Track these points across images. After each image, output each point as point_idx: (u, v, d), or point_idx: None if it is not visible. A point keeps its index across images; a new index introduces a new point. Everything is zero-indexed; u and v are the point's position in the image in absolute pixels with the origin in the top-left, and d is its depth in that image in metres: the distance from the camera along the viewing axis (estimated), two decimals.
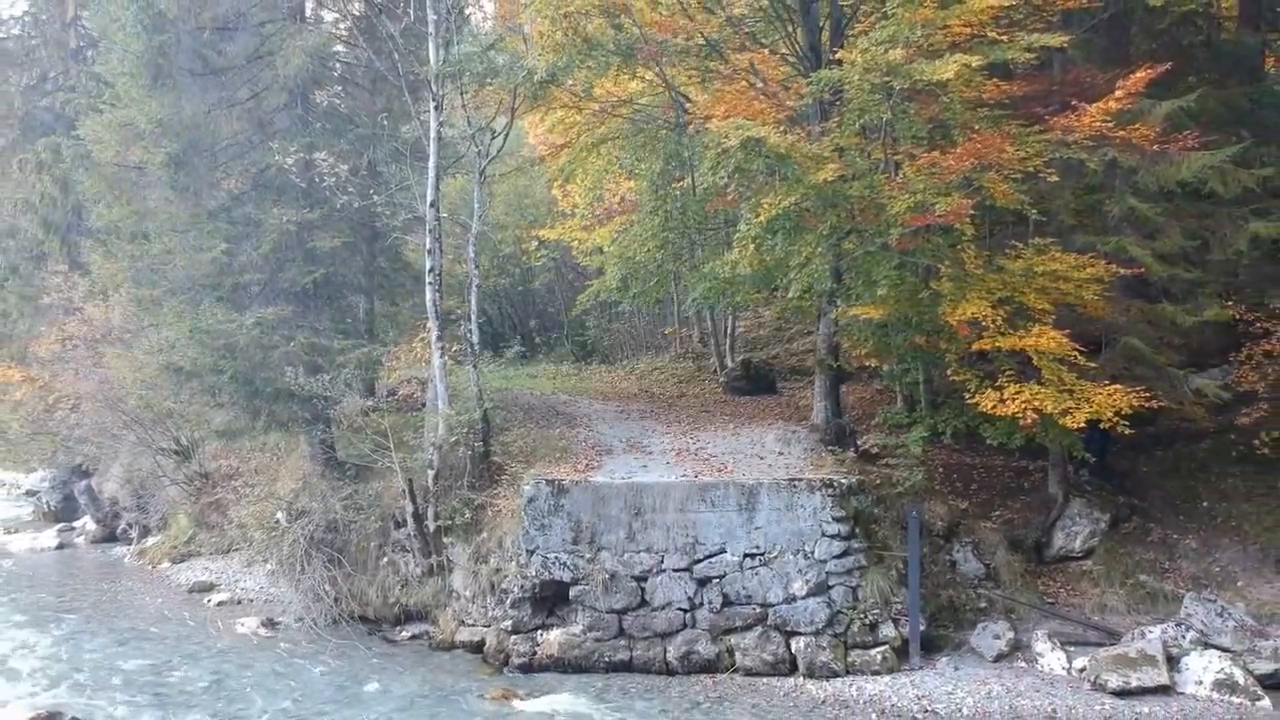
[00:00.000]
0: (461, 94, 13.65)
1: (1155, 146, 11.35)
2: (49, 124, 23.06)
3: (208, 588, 16.92)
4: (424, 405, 16.63)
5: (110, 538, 21.64)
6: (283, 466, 17.81)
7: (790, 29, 14.81)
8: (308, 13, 15.87)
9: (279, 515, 14.50)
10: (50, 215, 21.95)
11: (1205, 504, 14.93)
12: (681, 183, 15.83)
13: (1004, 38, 11.17)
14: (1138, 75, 10.88)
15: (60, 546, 21.27)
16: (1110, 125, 11.03)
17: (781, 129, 11.62)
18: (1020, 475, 15.56)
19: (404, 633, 14.24)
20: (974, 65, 10.40)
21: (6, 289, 23.80)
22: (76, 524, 22.63)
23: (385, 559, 14.55)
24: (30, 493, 27.21)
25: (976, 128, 11.30)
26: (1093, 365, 12.51)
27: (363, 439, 14.53)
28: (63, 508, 23.92)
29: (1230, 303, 13.55)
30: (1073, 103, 11.26)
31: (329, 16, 17.60)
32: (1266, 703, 11.26)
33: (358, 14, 14.81)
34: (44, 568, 19.64)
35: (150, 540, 20.04)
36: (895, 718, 11.26)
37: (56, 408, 21.97)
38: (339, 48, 15.50)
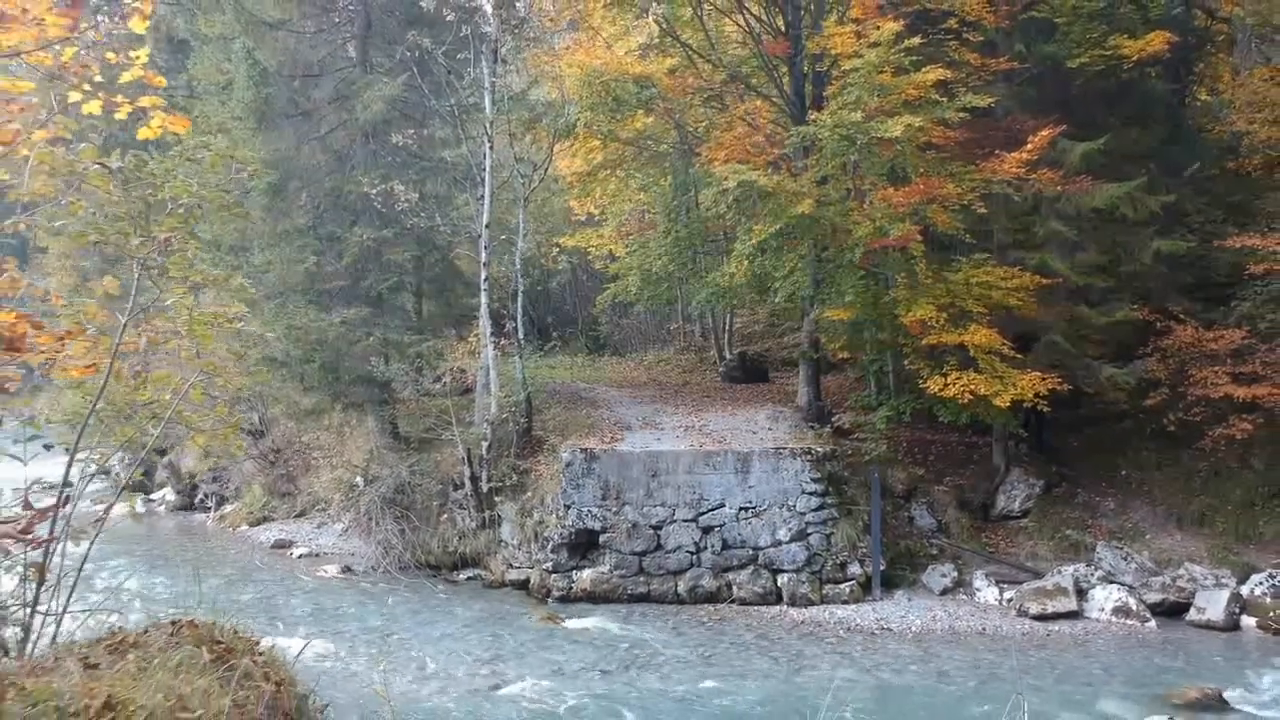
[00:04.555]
0: (511, 136, 16.67)
1: (1060, 187, 14.32)
2: (127, 142, 25.94)
3: (287, 544, 20.00)
4: (465, 390, 19.68)
5: (188, 507, 24.69)
6: (348, 442, 20.90)
7: (779, 75, 17.81)
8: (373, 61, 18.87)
9: (357, 480, 17.55)
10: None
11: (1124, 472, 17.90)
12: (686, 197, 18.82)
13: (943, 99, 14.18)
14: (1043, 133, 13.87)
15: (146, 514, 24.35)
16: (1025, 170, 14.03)
17: (769, 169, 14.65)
18: (970, 448, 18.58)
19: (461, 575, 17.30)
20: (917, 124, 13.41)
21: (88, 287, 26.69)
22: (155, 496, 25.68)
23: (445, 515, 17.61)
24: (104, 470, 30.21)
25: (923, 170, 14.31)
26: (1020, 356, 15.49)
27: (426, 417, 17.58)
28: (138, 482, 26.94)
29: (1136, 306, 16.41)
30: (996, 152, 14.26)
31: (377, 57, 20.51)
32: (1153, 624, 14.26)
33: (417, 64, 17.74)
34: (139, 530, 22.68)
35: (227, 508, 23.13)
36: (858, 633, 14.28)
37: (137, 394, 24.91)
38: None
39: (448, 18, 17.87)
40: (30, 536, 3.79)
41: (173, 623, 4.01)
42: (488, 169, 16.52)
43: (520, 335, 17.49)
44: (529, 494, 16.75)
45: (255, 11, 16.48)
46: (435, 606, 15.69)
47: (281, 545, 20.01)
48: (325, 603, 15.97)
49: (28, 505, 4.58)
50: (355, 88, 17.30)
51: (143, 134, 4.43)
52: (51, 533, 4.11)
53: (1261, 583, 14.66)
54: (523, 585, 16.41)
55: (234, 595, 16.46)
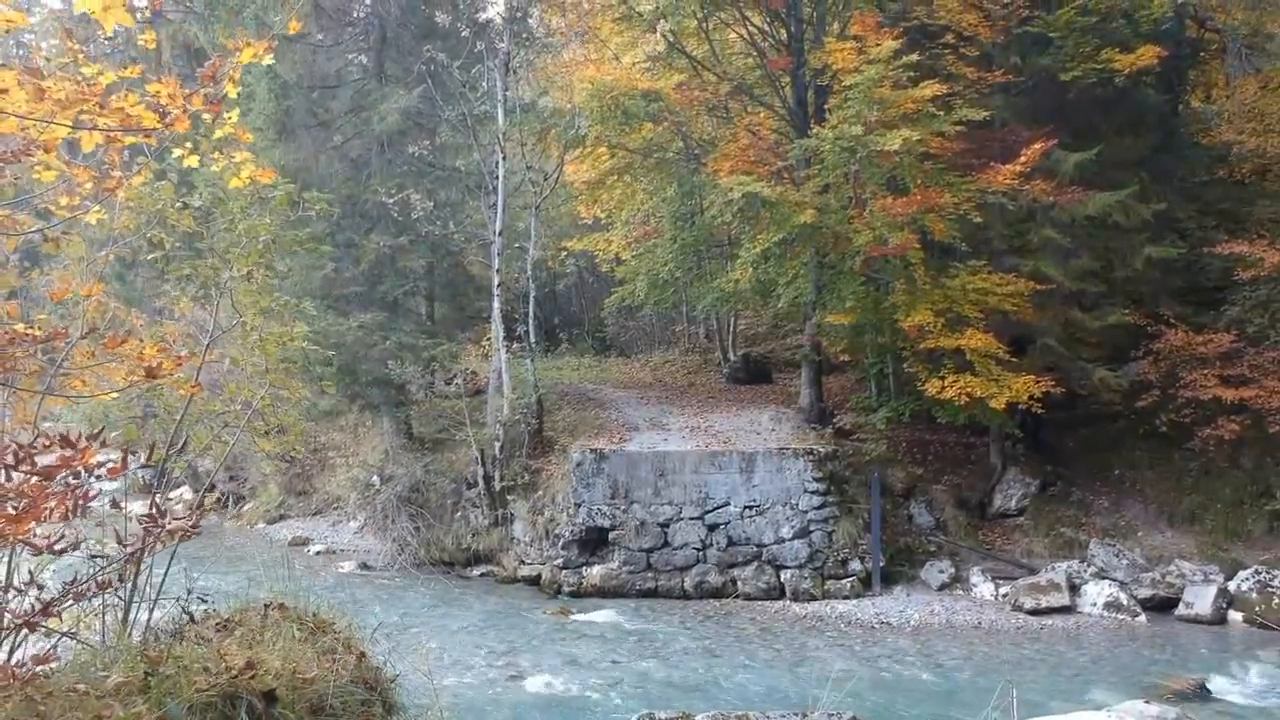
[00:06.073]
0: (522, 146, 17.24)
1: (1052, 197, 14.84)
2: (148, 153, 26.53)
3: (304, 541, 20.57)
4: (477, 391, 20.25)
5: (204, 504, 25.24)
6: (363, 442, 21.46)
7: (781, 86, 18.35)
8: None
9: (373, 479, 18.12)
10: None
11: (1117, 472, 18.40)
12: (692, 203, 19.39)
13: (940, 113, 14.71)
14: (1036, 146, 14.39)
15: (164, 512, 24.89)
16: (1019, 181, 14.55)
17: (773, 180, 15.19)
18: (968, 448, 19.11)
19: (474, 572, 17.86)
20: (915, 138, 13.94)
21: (106, 292, 27.30)
22: (172, 495, 26.24)
23: (458, 513, 18.18)
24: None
25: (921, 180, 14.84)
26: (1016, 359, 15.99)
27: (439, 418, 18.16)
28: (153, 482, 27.47)
29: (1129, 311, 16.89)
30: (991, 163, 14.78)
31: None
32: (1143, 618, 14.79)
33: (431, 76, 18.29)
34: None
35: (244, 506, 23.72)
36: (858, 627, 14.83)
37: (156, 394, 25.51)
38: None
39: (462, 33, 18.44)
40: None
41: (265, 605, 4.59)
42: (500, 177, 17.08)
43: (532, 339, 18.06)
44: (540, 492, 17.32)
45: (276, 25, 17.00)
46: (450, 601, 16.24)
47: (299, 542, 20.58)
48: (345, 597, 16.42)
49: (115, 504, 5.17)
50: (371, 99, 17.86)
51: (234, 182, 4.99)
52: (149, 530, 4.67)
53: (1248, 578, 15.13)
54: (534, 581, 16.97)
55: (260, 590, 17.02)
